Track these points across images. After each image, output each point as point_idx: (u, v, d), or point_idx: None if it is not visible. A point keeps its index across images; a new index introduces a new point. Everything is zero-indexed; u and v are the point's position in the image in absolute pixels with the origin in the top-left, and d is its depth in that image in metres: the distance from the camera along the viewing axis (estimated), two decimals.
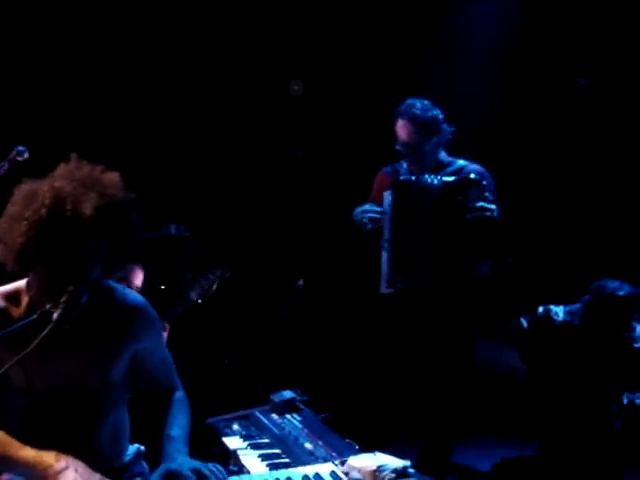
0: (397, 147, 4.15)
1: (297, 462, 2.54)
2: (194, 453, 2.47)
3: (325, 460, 2.51)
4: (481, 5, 6.48)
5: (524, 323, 4.62)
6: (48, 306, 2.22)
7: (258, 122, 6.81)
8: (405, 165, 4.25)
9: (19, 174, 2.48)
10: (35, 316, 2.22)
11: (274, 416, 3.03)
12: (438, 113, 4.12)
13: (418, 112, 4.07)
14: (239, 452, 2.70)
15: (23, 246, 2.24)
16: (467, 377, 4.26)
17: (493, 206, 3.93)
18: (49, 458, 2.25)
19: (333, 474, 2.34)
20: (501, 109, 6.53)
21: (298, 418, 2.98)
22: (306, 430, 2.83)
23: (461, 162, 4.20)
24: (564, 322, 4.50)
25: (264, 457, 2.64)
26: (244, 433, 2.92)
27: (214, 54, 6.59)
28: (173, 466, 2.32)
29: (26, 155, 4.11)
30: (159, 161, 6.48)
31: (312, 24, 6.60)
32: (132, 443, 2.77)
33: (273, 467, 2.52)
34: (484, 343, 4.55)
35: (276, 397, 3.11)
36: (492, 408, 5.65)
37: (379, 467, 2.27)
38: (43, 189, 2.27)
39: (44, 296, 2.31)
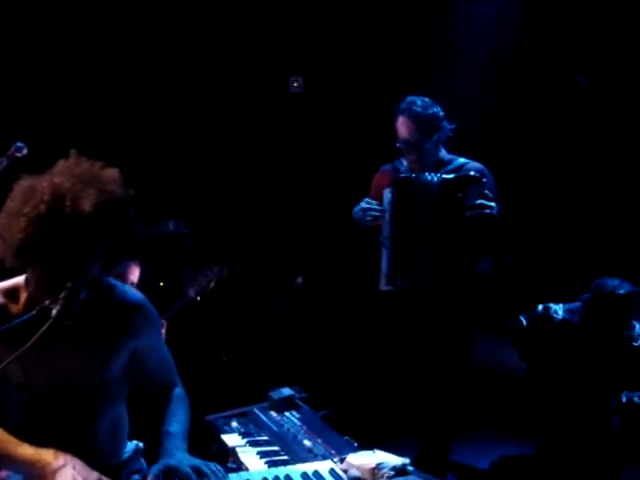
0: (397, 144, 4.15)
1: (296, 459, 2.55)
2: (193, 450, 2.47)
3: (324, 457, 2.51)
4: (481, 5, 6.48)
5: (523, 321, 4.62)
6: (47, 302, 2.22)
7: (257, 118, 6.80)
8: (405, 163, 4.24)
9: (18, 170, 2.47)
10: (34, 312, 2.22)
11: (273, 413, 3.03)
12: (439, 110, 4.12)
13: (419, 109, 4.07)
14: (238, 449, 2.71)
15: (22, 242, 2.24)
16: (466, 375, 4.26)
17: (493, 204, 3.93)
18: (47, 455, 2.25)
19: (332, 472, 2.34)
20: (501, 108, 6.53)
21: (297, 415, 2.98)
22: (305, 427, 2.84)
23: (461, 160, 4.20)
24: (564, 320, 4.49)
25: (263, 454, 2.64)
26: (243, 430, 2.92)
27: (213, 51, 6.59)
28: (172, 462, 2.32)
29: (25, 151, 4.12)
30: (158, 158, 6.48)
31: (312, 21, 6.60)
32: (131, 440, 2.77)
33: (272, 464, 2.53)
34: (483, 341, 4.55)
35: (275, 394, 3.11)
36: (491, 406, 5.66)
37: (378, 465, 2.27)
38: (42, 185, 2.27)
39: (43, 292, 2.30)
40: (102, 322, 2.46)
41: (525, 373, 4.78)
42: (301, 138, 6.87)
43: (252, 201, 6.80)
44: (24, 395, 2.44)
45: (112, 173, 2.38)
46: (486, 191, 3.95)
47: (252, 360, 6.02)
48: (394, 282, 4.08)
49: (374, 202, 4.18)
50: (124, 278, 3.81)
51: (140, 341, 2.57)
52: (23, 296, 2.42)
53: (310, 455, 2.57)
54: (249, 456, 2.64)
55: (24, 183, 2.33)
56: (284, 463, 2.53)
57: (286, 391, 3.13)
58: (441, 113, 4.12)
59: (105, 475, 2.27)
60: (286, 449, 2.68)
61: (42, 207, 2.22)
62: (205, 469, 2.30)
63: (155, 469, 2.30)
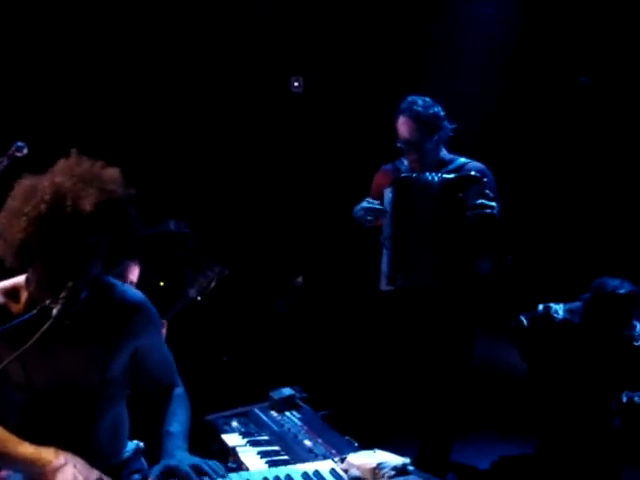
0: (398, 144, 4.15)
1: (296, 459, 2.54)
2: (193, 450, 2.47)
3: (324, 457, 2.51)
4: (481, 5, 6.48)
5: (524, 321, 4.62)
6: (47, 302, 2.22)
7: (257, 119, 6.80)
8: (406, 162, 4.24)
9: (18, 170, 2.47)
10: (34, 312, 2.22)
11: (273, 413, 3.03)
12: (439, 110, 4.12)
13: (420, 109, 4.07)
14: (238, 449, 2.70)
15: (22, 242, 2.24)
16: (466, 375, 4.26)
17: (493, 203, 3.93)
18: (48, 454, 2.25)
19: (333, 471, 2.34)
20: (501, 108, 6.53)
21: (297, 415, 2.98)
22: (305, 427, 2.83)
23: (462, 160, 4.20)
24: (564, 320, 4.49)
25: (263, 454, 2.64)
26: (243, 430, 2.92)
27: (214, 51, 6.59)
28: (172, 462, 2.32)
29: (25, 151, 4.12)
30: (159, 157, 6.48)
31: (313, 22, 6.60)
32: (131, 439, 2.77)
33: (272, 464, 2.52)
34: (484, 341, 4.55)
35: (275, 394, 3.11)
36: (491, 406, 5.66)
37: (379, 464, 2.27)
38: (43, 185, 2.27)
39: (43, 292, 2.30)
40: (103, 322, 2.46)
41: (526, 373, 4.78)
42: (302, 138, 6.87)
43: (252, 201, 6.80)
44: (25, 394, 2.44)
45: (113, 173, 2.38)
46: (487, 191, 3.95)
47: (252, 360, 6.02)
48: (395, 282, 4.08)
49: (375, 202, 4.18)
50: (124, 277, 3.80)
51: (141, 341, 2.57)
52: (24, 296, 2.42)
53: (311, 455, 2.57)
54: (249, 456, 2.63)
55: (25, 182, 2.33)
56: (285, 463, 2.52)
57: (286, 391, 3.12)
58: (442, 113, 4.12)
59: (105, 474, 2.28)
60: (287, 449, 2.67)
61: (43, 206, 2.22)
62: (205, 468, 2.30)
63: (156, 469, 2.30)
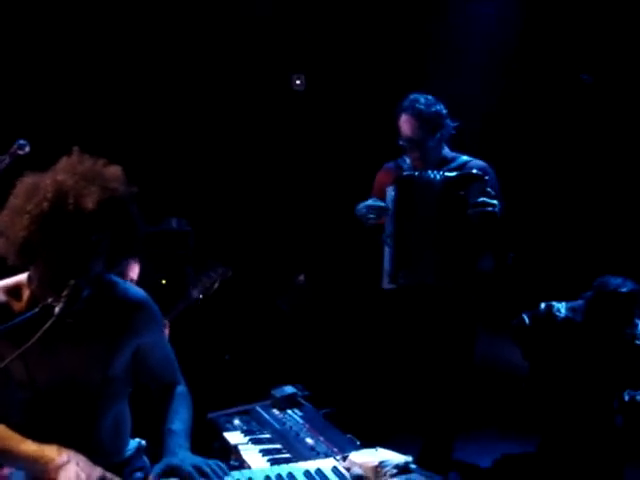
0: (400, 142, 4.14)
1: (298, 457, 2.54)
2: (195, 448, 2.47)
3: (326, 455, 2.51)
4: (482, 4, 6.48)
5: (526, 319, 4.62)
6: (50, 300, 2.21)
7: (259, 116, 6.80)
8: (408, 160, 4.24)
9: (20, 168, 2.47)
10: (37, 310, 2.22)
11: (275, 411, 3.03)
12: (442, 108, 4.11)
13: (422, 107, 4.06)
14: (240, 447, 2.70)
15: (25, 240, 2.24)
16: (468, 373, 4.26)
17: (495, 201, 3.92)
18: (50, 452, 2.25)
19: (335, 470, 2.34)
20: (503, 106, 6.53)
21: (299, 413, 2.98)
22: (307, 425, 2.84)
23: (464, 158, 4.19)
24: (566, 318, 4.49)
25: (265, 452, 2.64)
26: (245, 428, 2.92)
27: (215, 49, 6.59)
28: (175, 461, 2.32)
29: (27, 149, 4.12)
30: (161, 155, 6.48)
31: (314, 20, 6.60)
32: (133, 437, 2.77)
33: (274, 462, 2.52)
34: (486, 339, 4.54)
35: (277, 392, 3.11)
36: (493, 404, 5.66)
37: (381, 463, 2.27)
38: (45, 183, 2.27)
39: (46, 290, 2.30)
40: (105, 320, 2.46)
41: (527, 371, 4.78)
42: (303, 136, 6.87)
43: (254, 199, 6.80)
44: (27, 392, 2.44)
45: (115, 171, 2.37)
46: (488, 189, 3.94)
47: (254, 358, 6.02)
48: (397, 280, 4.08)
49: (378, 200, 4.18)
50: (124, 275, 3.80)
51: (143, 339, 2.57)
52: (26, 294, 2.42)
53: (312, 453, 2.57)
54: (251, 454, 2.63)
55: (27, 180, 2.32)
56: (286, 461, 2.52)
57: (288, 389, 3.12)
58: (444, 111, 4.11)
59: (108, 472, 2.27)
60: (288, 447, 2.67)
61: (45, 205, 2.22)
62: (207, 468, 2.30)
63: (157, 468, 2.31)
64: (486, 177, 3.98)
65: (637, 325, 4.35)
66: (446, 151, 4.21)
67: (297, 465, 2.40)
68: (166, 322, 4.11)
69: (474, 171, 4.03)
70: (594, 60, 6.28)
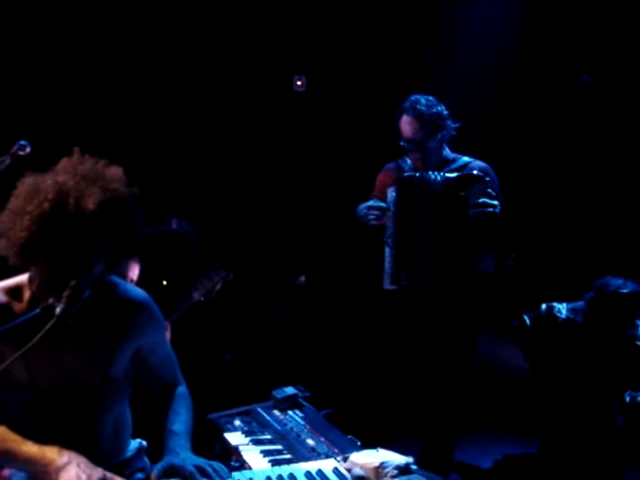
0: (401, 143, 4.14)
1: (299, 458, 2.54)
2: (196, 449, 2.47)
3: (327, 456, 2.51)
4: (484, 4, 6.48)
5: (527, 320, 4.62)
6: (51, 301, 2.21)
7: (260, 117, 6.81)
8: (409, 161, 4.24)
9: (21, 168, 2.47)
10: (38, 311, 2.21)
11: (276, 412, 3.03)
12: (443, 109, 4.11)
13: (423, 108, 4.06)
14: (241, 448, 2.70)
15: (25, 240, 2.23)
16: (469, 374, 4.25)
17: (496, 202, 3.92)
18: (51, 453, 2.25)
19: (336, 470, 2.34)
20: (504, 107, 6.53)
21: (300, 414, 2.98)
22: (308, 426, 2.83)
23: (465, 159, 4.19)
24: (567, 319, 4.49)
25: (266, 453, 2.64)
26: (246, 429, 2.91)
27: (217, 50, 6.59)
28: (176, 461, 2.32)
29: (28, 149, 4.12)
30: (161, 156, 6.48)
31: (316, 21, 6.60)
32: (134, 438, 2.77)
33: (275, 463, 2.52)
34: (487, 340, 4.54)
35: (278, 393, 3.10)
36: (494, 405, 5.65)
37: (382, 463, 2.27)
38: (46, 183, 2.26)
39: (46, 291, 2.30)
40: (106, 320, 2.46)
41: (528, 372, 4.78)
42: (304, 137, 6.87)
43: (255, 199, 6.80)
44: (27, 394, 2.43)
45: (116, 171, 2.37)
46: (489, 190, 3.94)
47: (255, 359, 6.01)
48: (398, 281, 4.08)
49: (379, 201, 4.18)
50: (124, 276, 3.79)
51: (144, 339, 2.57)
52: (26, 295, 2.41)
53: (313, 454, 2.57)
54: (252, 455, 2.63)
55: (28, 181, 2.32)
56: (287, 462, 2.52)
57: (289, 390, 3.12)
58: (445, 112, 4.11)
59: (109, 472, 2.27)
60: (289, 448, 2.67)
61: (46, 205, 2.21)
62: (208, 469, 2.30)
63: (159, 468, 2.31)
64: (487, 178, 3.98)
65: (638, 326, 4.35)
66: (447, 152, 4.21)
67: (298, 466, 2.40)
68: (167, 324, 4.11)
69: (475, 172, 4.03)
70: (595, 61, 6.28)
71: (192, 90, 6.60)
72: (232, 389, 5.17)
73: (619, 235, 6.40)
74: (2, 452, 2.32)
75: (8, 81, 5.86)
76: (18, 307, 2.38)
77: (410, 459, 2.32)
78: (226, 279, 4.39)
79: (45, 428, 2.40)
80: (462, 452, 4.66)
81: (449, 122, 4.12)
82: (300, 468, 2.37)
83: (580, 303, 4.50)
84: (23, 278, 2.44)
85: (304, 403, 3.07)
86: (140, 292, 2.61)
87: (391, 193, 4.11)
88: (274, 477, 2.30)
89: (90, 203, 2.21)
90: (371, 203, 4.18)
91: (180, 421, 2.57)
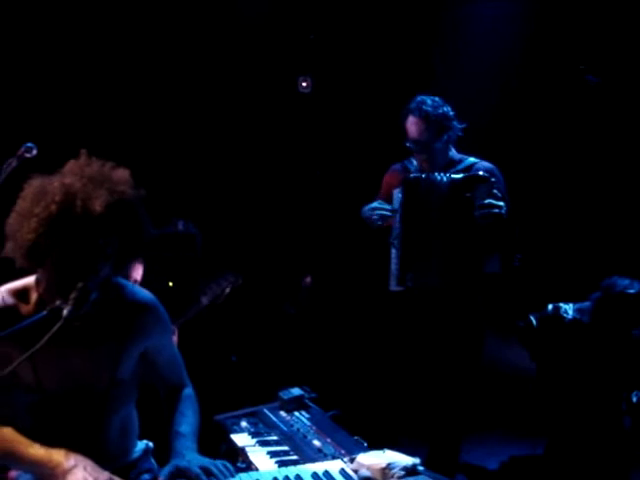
0: (407, 144, 4.14)
1: (306, 459, 2.54)
2: (202, 450, 2.48)
3: (334, 457, 2.51)
4: (489, 4, 6.47)
5: (533, 321, 4.62)
6: (58, 303, 2.21)
7: (266, 119, 6.81)
8: (415, 162, 4.24)
9: (27, 171, 2.47)
10: (45, 313, 2.22)
11: (282, 413, 3.03)
12: (449, 110, 4.11)
13: (429, 109, 4.06)
14: (247, 449, 2.70)
15: (33, 242, 2.24)
16: (475, 375, 4.25)
17: (501, 203, 3.92)
18: (58, 456, 2.25)
19: (342, 471, 2.34)
20: (510, 107, 6.52)
21: (306, 415, 2.98)
22: (314, 427, 2.83)
23: (471, 159, 4.19)
24: (574, 320, 4.49)
25: (273, 454, 2.64)
26: (252, 430, 2.91)
27: (222, 52, 6.60)
28: (182, 463, 2.33)
29: (34, 152, 4.11)
30: (167, 158, 6.48)
31: (321, 22, 6.60)
32: (141, 439, 2.77)
33: (282, 464, 2.52)
34: (493, 341, 4.54)
35: (284, 394, 3.10)
36: (500, 406, 5.65)
37: (389, 464, 2.27)
38: (53, 185, 2.27)
39: (53, 293, 2.30)
40: (112, 322, 2.46)
41: (535, 373, 4.77)
42: (310, 138, 6.87)
43: (261, 201, 6.81)
44: (34, 396, 2.43)
45: (123, 173, 2.38)
46: (495, 191, 3.94)
47: (261, 360, 6.02)
48: (404, 282, 4.08)
49: (385, 203, 4.18)
50: (128, 276, 3.80)
51: (150, 340, 2.57)
52: (33, 297, 2.41)
53: (320, 455, 2.56)
54: (259, 456, 2.63)
55: (35, 183, 2.32)
56: (294, 463, 2.52)
57: (295, 391, 3.12)
58: (451, 113, 4.11)
59: (115, 475, 2.28)
60: (296, 449, 2.67)
61: (53, 207, 2.22)
62: (215, 469, 2.30)
63: (165, 470, 2.31)
64: (492, 179, 3.98)
65: None
66: (453, 153, 4.21)
67: (305, 467, 2.40)
68: (175, 328, 4.12)
69: (480, 173, 4.02)
70: (599, 61, 6.27)
71: (198, 92, 6.61)
72: (238, 390, 5.17)
73: (626, 235, 6.39)
74: (9, 454, 2.33)
75: (14, 83, 5.87)
76: (25, 309, 2.39)
77: (417, 460, 2.31)
78: (235, 284, 4.40)
79: (52, 430, 2.41)
80: (468, 453, 4.65)
81: (455, 123, 4.12)
82: (307, 469, 2.36)
83: (587, 303, 4.50)
84: (30, 280, 2.45)
85: (310, 404, 3.07)
86: (147, 294, 2.62)
87: (397, 194, 4.11)
88: (280, 478, 2.30)
89: (97, 205, 2.22)
90: (376, 204, 4.18)
91: (187, 422, 2.57)
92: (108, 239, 2.28)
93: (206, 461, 2.35)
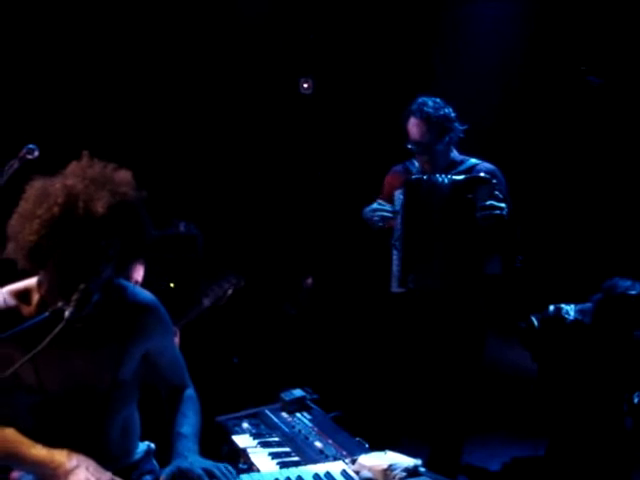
0: (409, 145, 4.14)
1: (307, 460, 2.54)
2: (204, 451, 2.48)
3: (335, 459, 2.51)
4: (490, 5, 6.47)
5: (535, 322, 4.61)
6: (60, 304, 2.21)
7: (267, 120, 6.81)
8: (417, 163, 4.24)
9: (29, 172, 2.47)
10: (46, 314, 2.22)
11: (284, 414, 3.03)
12: (450, 111, 4.11)
13: (430, 111, 4.06)
14: (249, 450, 2.70)
15: (35, 244, 2.24)
16: (477, 376, 4.25)
17: (503, 204, 3.92)
18: (60, 456, 2.26)
19: (344, 473, 2.34)
20: (511, 108, 6.52)
21: (308, 417, 2.98)
22: (316, 429, 2.83)
23: (473, 161, 4.19)
24: (575, 321, 4.49)
25: (274, 455, 2.64)
26: (254, 431, 2.91)
27: (224, 53, 6.60)
28: (184, 464, 2.33)
29: (36, 153, 4.12)
30: (168, 160, 6.48)
31: (322, 23, 6.61)
32: (142, 441, 2.77)
33: (283, 465, 2.52)
34: (494, 342, 4.54)
35: (286, 395, 3.11)
36: (502, 407, 5.64)
37: (390, 466, 2.27)
38: (55, 187, 2.27)
39: (55, 294, 2.30)
40: (114, 323, 2.46)
41: (536, 374, 4.77)
42: (311, 140, 6.87)
43: (262, 202, 6.81)
44: (36, 397, 2.44)
45: (125, 175, 2.38)
46: (496, 192, 3.94)
47: (263, 361, 6.02)
48: (406, 284, 4.08)
49: (385, 204, 4.18)
50: (128, 277, 3.80)
51: (152, 342, 2.58)
52: (35, 298, 2.42)
53: (321, 456, 2.57)
54: (260, 457, 2.63)
55: (37, 185, 2.33)
56: (295, 464, 2.52)
57: (297, 392, 3.12)
58: (452, 114, 4.11)
59: (117, 476, 2.28)
60: (297, 450, 2.67)
61: (55, 209, 2.22)
62: (216, 471, 2.31)
63: (167, 471, 2.32)
64: (494, 180, 3.98)
65: None
66: (455, 154, 4.21)
67: (306, 468, 2.40)
68: (176, 330, 4.12)
69: (482, 174, 4.02)
70: (602, 62, 6.27)
71: (199, 94, 6.61)
72: (240, 391, 5.17)
73: (627, 237, 6.39)
74: (11, 455, 2.34)
75: (16, 85, 5.88)
76: (27, 310, 2.39)
77: (418, 461, 2.32)
78: (237, 286, 4.40)
79: (53, 431, 2.41)
80: (470, 454, 4.65)
81: (456, 124, 4.12)
82: (308, 470, 2.37)
83: (588, 304, 4.49)
84: (32, 282, 2.45)
85: (312, 405, 3.07)
86: (148, 295, 2.62)
87: (399, 195, 4.11)
88: (282, 479, 2.30)
89: (99, 207, 2.22)
90: (378, 205, 4.18)
91: (188, 424, 2.57)
92: (110, 241, 2.28)
93: (209, 463, 2.35)
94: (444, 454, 4.22)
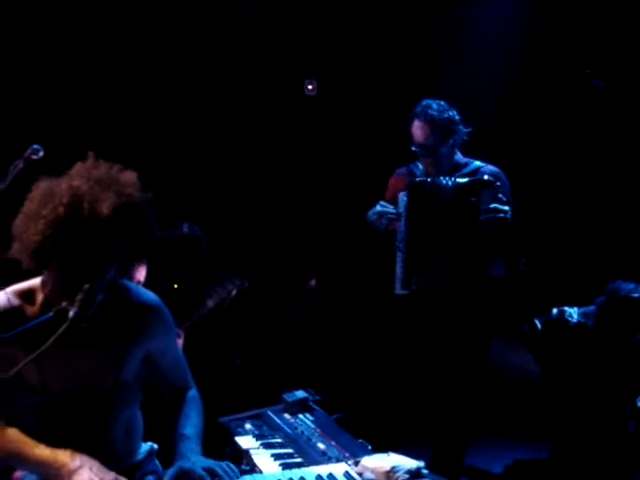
0: (413, 148, 4.14)
1: (310, 462, 2.54)
2: (207, 452, 2.48)
3: (338, 460, 2.51)
4: (494, 6, 6.47)
5: (538, 325, 4.61)
6: (64, 304, 2.22)
7: (272, 121, 6.82)
8: (421, 166, 4.25)
9: (34, 172, 2.48)
10: (51, 314, 2.23)
11: (287, 416, 3.03)
12: (454, 114, 4.11)
13: (434, 113, 4.06)
14: (252, 451, 2.70)
15: (39, 244, 2.25)
16: (480, 379, 4.25)
17: (506, 207, 3.92)
18: (64, 456, 2.26)
19: (347, 474, 2.34)
20: (516, 110, 6.52)
21: (311, 418, 2.97)
22: (319, 430, 2.83)
23: (477, 163, 4.19)
24: (578, 324, 4.48)
25: (277, 457, 2.64)
26: (257, 432, 2.91)
27: (229, 54, 6.61)
28: (187, 465, 2.33)
29: (41, 154, 4.13)
30: (173, 161, 6.49)
31: (327, 24, 6.61)
32: (145, 441, 2.78)
33: (286, 467, 2.52)
34: (498, 344, 4.53)
35: (289, 397, 3.10)
36: (505, 410, 5.64)
37: (393, 468, 2.27)
38: (60, 188, 2.28)
39: (59, 294, 2.31)
40: (118, 324, 2.47)
41: (539, 377, 4.76)
42: (316, 141, 6.88)
43: (266, 203, 6.81)
44: (39, 396, 2.44)
45: (130, 176, 2.38)
46: (500, 195, 3.94)
47: (265, 362, 6.02)
48: (409, 286, 4.08)
49: (389, 206, 4.18)
50: (131, 277, 3.80)
51: (155, 342, 2.58)
52: (39, 298, 2.42)
53: (324, 458, 2.56)
54: (263, 458, 2.63)
55: (42, 185, 2.33)
56: (298, 466, 2.51)
57: (300, 394, 3.12)
58: (457, 117, 4.11)
59: (120, 476, 2.28)
60: (300, 451, 2.67)
61: (60, 210, 2.23)
62: (219, 471, 2.31)
63: (170, 472, 2.32)
64: (498, 183, 3.98)
65: None
66: (459, 156, 4.21)
67: (309, 470, 2.40)
68: (180, 331, 4.12)
69: (485, 177, 4.02)
70: (606, 65, 6.27)
71: (204, 95, 6.62)
72: (243, 393, 5.17)
73: (630, 239, 6.38)
74: (14, 455, 2.34)
75: (21, 85, 5.89)
76: (31, 310, 2.39)
77: (421, 463, 2.32)
78: (240, 287, 4.41)
79: (57, 431, 2.41)
80: (473, 457, 4.64)
81: (461, 127, 4.12)
82: (311, 472, 2.37)
83: (591, 307, 4.49)
84: (36, 281, 2.45)
85: (315, 407, 3.07)
86: (151, 296, 2.62)
87: (402, 198, 4.12)
88: None
89: (104, 208, 2.23)
90: (382, 208, 4.18)
91: (191, 425, 2.58)
92: (115, 241, 2.29)
93: (210, 462, 2.36)
94: (447, 456, 4.22)
